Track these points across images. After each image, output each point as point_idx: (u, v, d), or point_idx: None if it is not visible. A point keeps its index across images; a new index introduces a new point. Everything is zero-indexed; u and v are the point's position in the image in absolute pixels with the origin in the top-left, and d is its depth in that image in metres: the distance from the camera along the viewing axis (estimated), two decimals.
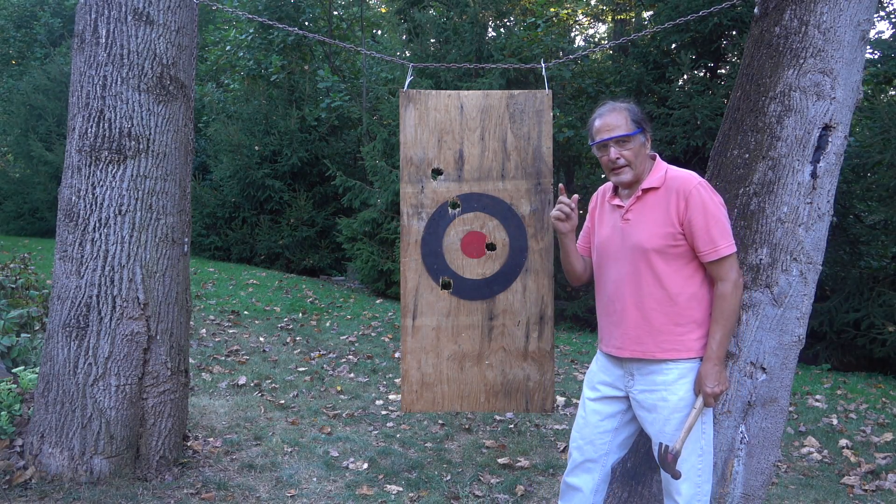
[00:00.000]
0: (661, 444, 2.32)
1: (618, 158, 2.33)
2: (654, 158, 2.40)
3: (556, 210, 2.45)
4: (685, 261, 2.27)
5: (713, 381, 2.21)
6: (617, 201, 2.42)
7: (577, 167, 10.44)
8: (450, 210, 3.05)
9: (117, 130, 3.12)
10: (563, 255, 2.58)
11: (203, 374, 4.90)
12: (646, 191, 2.33)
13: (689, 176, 2.29)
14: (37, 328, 4.57)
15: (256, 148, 11.71)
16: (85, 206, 3.12)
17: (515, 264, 3.04)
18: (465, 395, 3.08)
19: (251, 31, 12.49)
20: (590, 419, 2.46)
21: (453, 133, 3.04)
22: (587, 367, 5.81)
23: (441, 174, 3.05)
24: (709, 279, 2.31)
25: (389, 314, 7.75)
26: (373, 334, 6.66)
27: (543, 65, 3.22)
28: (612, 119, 2.34)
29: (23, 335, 4.30)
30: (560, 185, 2.62)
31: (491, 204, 3.04)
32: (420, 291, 3.06)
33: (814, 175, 2.52)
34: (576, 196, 2.49)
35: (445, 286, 3.06)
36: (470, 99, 3.03)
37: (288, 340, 6.13)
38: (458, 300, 3.05)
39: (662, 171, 2.34)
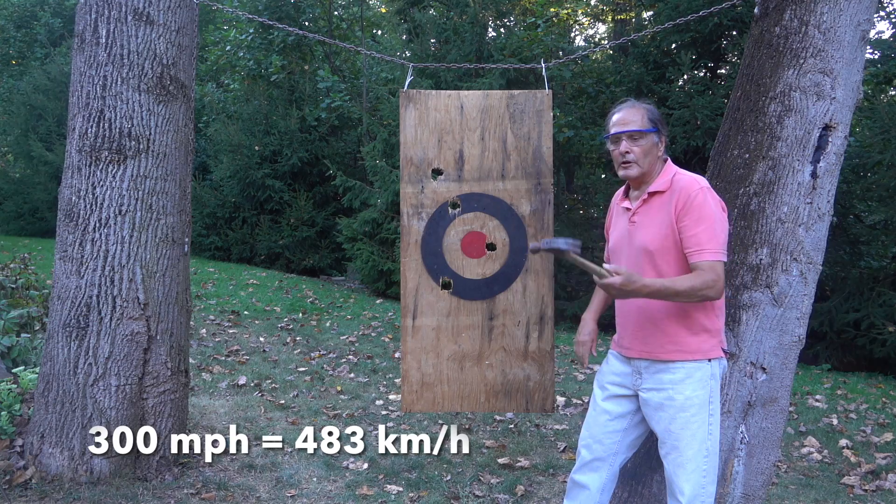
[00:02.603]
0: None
1: (627, 153, 2.34)
2: (665, 162, 2.40)
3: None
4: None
5: (619, 280, 2.13)
6: (626, 203, 2.44)
7: (577, 167, 10.44)
8: (450, 210, 3.05)
9: (117, 130, 3.12)
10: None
11: (203, 374, 4.90)
12: (652, 194, 2.33)
13: (695, 179, 2.29)
14: (37, 328, 4.57)
15: (256, 148, 11.71)
16: (85, 206, 3.12)
17: (515, 264, 3.04)
18: (466, 395, 3.08)
19: (251, 31, 12.49)
20: (599, 418, 2.46)
21: (453, 133, 3.04)
22: (587, 368, 5.81)
23: (441, 174, 3.05)
24: None
25: (389, 314, 7.75)
26: (373, 334, 6.66)
27: (543, 65, 3.22)
28: (629, 114, 2.37)
29: (23, 335, 4.30)
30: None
31: (491, 204, 3.04)
32: (420, 291, 3.05)
33: (814, 175, 2.52)
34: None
35: (445, 286, 3.06)
36: (470, 99, 3.03)
37: (288, 340, 6.13)
38: (459, 300, 3.05)
39: (670, 175, 2.34)
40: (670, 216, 2.26)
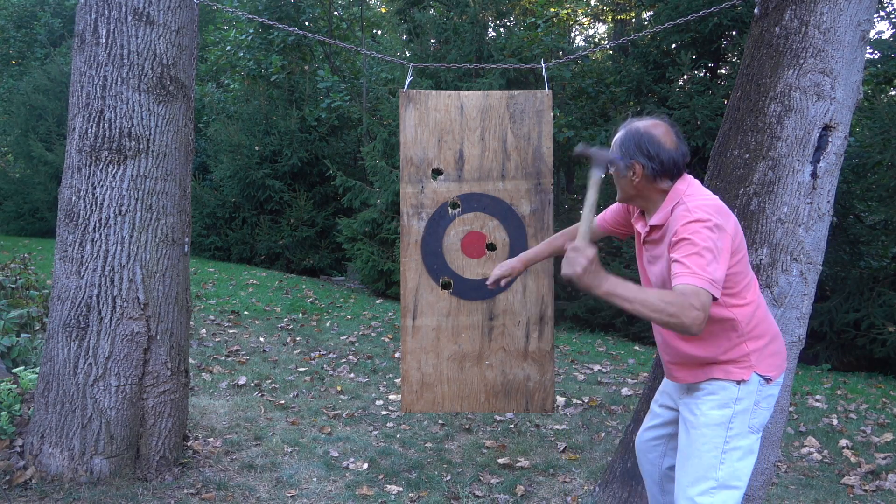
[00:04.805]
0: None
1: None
2: (664, 191, 2.16)
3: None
4: None
5: (574, 266, 1.93)
6: (640, 225, 2.28)
7: (577, 167, 10.44)
8: (450, 210, 3.05)
9: (117, 130, 3.12)
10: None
11: (203, 374, 4.90)
12: (653, 228, 2.17)
13: (690, 211, 2.02)
14: (37, 328, 4.57)
15: (256, 148, 11.71)
16: (85, 207, 3.12)
17: None
18: (466, 396, 3.09)
19: (251, 31, 12.48)
20: (648, 423, 2.48)
21: (453, 133, 3.04)
22: (587, 368, 5.81)
23: (441, 174, 3.05)
24: (727, 316, 2.12)
25: (389, 314, 7.75)
26: (373, 334, 6.66)
27: (543, 65, 3.22)
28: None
29: (23, 335, 4.30)
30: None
31: (491, 204, 3.04)
32: (420, 291, 3.06)
33: (814, 175, 2.52)
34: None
35: (445, 286, 3.06)
36: (470, 99, 3.03)
37: (288, 340, 6.13)
38: (459, 300, 3.06)
39: (670, 206, 2.11)
40: (667, 253, 2.07)
